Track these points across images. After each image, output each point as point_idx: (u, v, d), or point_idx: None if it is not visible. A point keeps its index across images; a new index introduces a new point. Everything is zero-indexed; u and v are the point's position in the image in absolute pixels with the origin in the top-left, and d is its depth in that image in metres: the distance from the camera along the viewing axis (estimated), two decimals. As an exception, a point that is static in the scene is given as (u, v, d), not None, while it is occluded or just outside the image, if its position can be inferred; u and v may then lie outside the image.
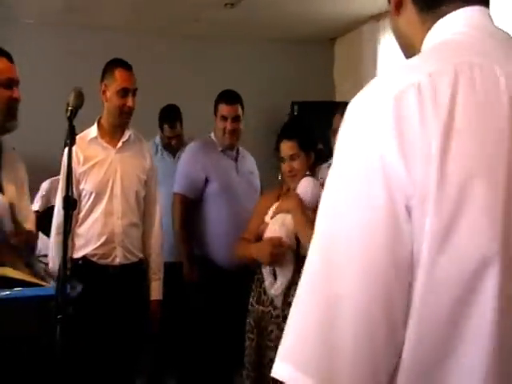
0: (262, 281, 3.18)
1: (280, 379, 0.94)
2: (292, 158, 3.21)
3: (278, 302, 3.08)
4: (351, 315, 0.89)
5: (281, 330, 3.03)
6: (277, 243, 3.06)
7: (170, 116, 4.85)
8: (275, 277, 3.11)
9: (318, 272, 0.94)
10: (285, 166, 3.23)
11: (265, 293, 3.15)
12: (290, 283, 3.06)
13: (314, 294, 0.93)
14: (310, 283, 0.95)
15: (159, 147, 4.85)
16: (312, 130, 3.45)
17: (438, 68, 0.94)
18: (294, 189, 3.20)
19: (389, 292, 0.89)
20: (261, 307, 3.16)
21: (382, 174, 0.89)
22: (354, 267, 0.90)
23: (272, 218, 3.19)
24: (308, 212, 3.11)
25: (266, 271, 3.14)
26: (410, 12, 1.12)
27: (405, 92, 0.92)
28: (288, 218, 3.11)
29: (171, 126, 4.81)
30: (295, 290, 2.89)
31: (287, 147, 3.23)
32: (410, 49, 1.14)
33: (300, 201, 3.12)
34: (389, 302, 0.89)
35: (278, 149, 3.28)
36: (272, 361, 2.93)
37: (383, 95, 0.93)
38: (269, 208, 3.25)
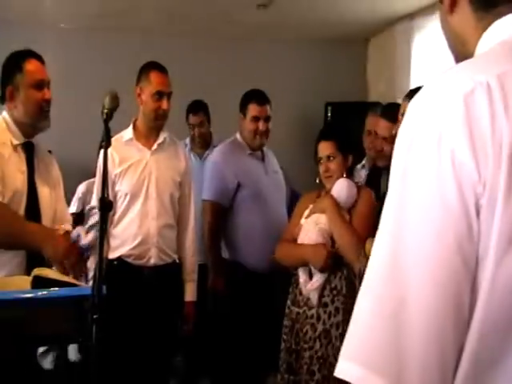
0: (298, 282, 3.17)
1: (346, 379, 0.93)
2: (329, 158, 3.21)
3: (313, 299, 3.06)
4: (420, 315, 0.90)
5: (314, 330, 3.05)
6: (330, 251, 3.05)
7: (194, 106, 5.00)
8: (311, 275, 3.11)
9: (385, 270, 0.93)
10: (321, 167, 3.23)
11: (300, 293, 3.14)
12: (325, 283, 3.06)
13: (380, 293, 0.93)
14: (376, 280, 0.95)
15: (187, 148, 4.89)
16: (351, 134, 3.45)
17: (505, 69, 0.94)
18: (330, 190, 3.20)
19: (458, 291, 0.90)
20: (296, 308, 3.15)
21: (452, 172, 0.90)
22: (424, 265, 0.90)
23: (307, 218, 3.19)
24: (343, 212, 3.11)
25: (301, 269, 3.13)
26: (464, 11, 1.10)
27: (474, 91, 0.91)
28: (322, 218, 3.12)
29: (194, 113, 4.95)
30: (330, 290, 2.89)
31: (324, 147, 3.23)
32: (460, 47, 1.14)
33: (334, 201, 3.12)
34: (458, 300, 0.90)
35: (316, 151, 3.28)
36: (307, 363, 2.91)
37: (452, 93, 0.93)
38: (306, 209, 3.25)
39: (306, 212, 3.22)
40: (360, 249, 2.91)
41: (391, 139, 3.40)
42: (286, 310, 3.23)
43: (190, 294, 3.58)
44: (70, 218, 3.16)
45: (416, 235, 0.91)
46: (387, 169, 3.45)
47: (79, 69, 5.75)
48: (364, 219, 3.07)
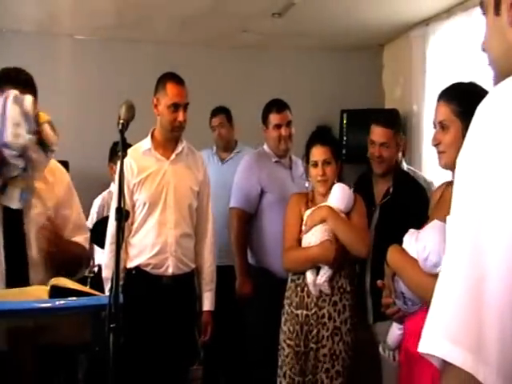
0: (302, 286, 3.27)
1: (431, 353, 1.01)
2: (326, 163, 3.31)
3: (325, 289, 3.19)
4: (498, 291, 0.96)
5: (327, 329, 3.19)
6: (335, 243, 3.18)
7: (215, 109, 5.14)
8: (317, 273, 3.23)
9: (467, 254, 1.01)
10: (317, 170, 3.31)
11: (308, 296, 3.24)
12: (333, 282, 3.21)
13: (463, 274, 1.00)
14: (458, 265, 1.02)
15: (213, 152, 5.06)
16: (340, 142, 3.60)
17: None
18: (323, 194, 3.33)
19: None
20: (304, 311, 3.24)
21: None
22: (503, 249, 0.97)
23: (306, 233, 3.29)
24: (342, 215, 3.26)
25: (309, 271, 3.24)
26: None
27: None
28: (318, 229, 3.24)
29: (215, 116, 5.09)
30: (338, 289, 3.01)
31: (322, 152, 3.32)
32: None
33: (331, 208, 3.25)
34: None
35: (307, 154, 3.38)
36: (321, 361, 2.99)
37: None
38: (298, 213, 3.36)
39: (304, 225, 3.32)
40: (367, 241, 3.20)
41: (389, 144, 3.47)
42: (286, 316, 3.32)
43: (208, 303, 3.59)
44: (86, 231, 2.86)
45: (494, 225, 0.98)
46: (384, 175, 3.52)
47: (94, 79, 5.78)
48: (362, 219, 3.30)
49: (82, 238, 2.73)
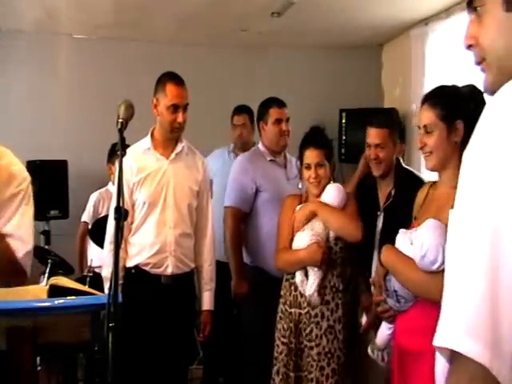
0: (296, 285, 3.32)
1: (445, 345, 1.02)
2: (318, 165, 3.36)
3: (315, 301, 3.24)
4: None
5: (320, 328, 3.24)
6: (323, 246, 3.23)
7: (239, 107, 5.04)
8: (306, 276, 3.27)
9: (483, 248, 1.01)
10: (310, 173, 3.37)
11: (301, 295, 3.29)
12: (325, 282, 3.26)
13: (480, 268, 1.01)
14: (474, 259, 1.02)
15: (229, 149, 4.97)
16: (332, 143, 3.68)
17: None
18: (316, 195, 3.39)
19: None
20: (298, 310, 3.30)
21: None
22: None
23: (297, 231, 3.34)
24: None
25: (298, 272, 3.29)
26: None
27: None
28: (316, 225, 3.30)
29: (238, 114, 4.99)
30: (330, 288, 3.05)
31: (315, 155, 3.37)
32: None
33: (319, 201, 3.33)
34: None
35: (301, 156, 3.41)
36: (315, 360, 3.03)
37: None
38: (292, 216, 3.40)
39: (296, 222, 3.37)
40: (359, 225, 3.23)
41: (384, 145, 3.46)
42: (281, 314, 3.37)
43: (208, 303, 3.59)
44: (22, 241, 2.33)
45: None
46: (385, 177, 3.51)
47: (93, 79, 5.78)
48: (354, 210, 3.35)
49: (15, 243, 2.29)
